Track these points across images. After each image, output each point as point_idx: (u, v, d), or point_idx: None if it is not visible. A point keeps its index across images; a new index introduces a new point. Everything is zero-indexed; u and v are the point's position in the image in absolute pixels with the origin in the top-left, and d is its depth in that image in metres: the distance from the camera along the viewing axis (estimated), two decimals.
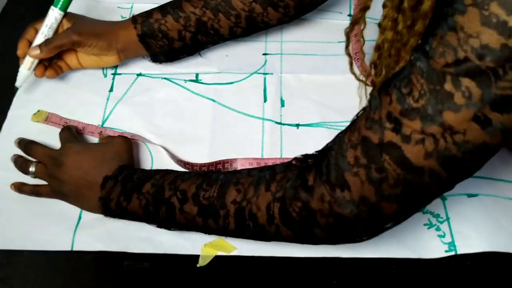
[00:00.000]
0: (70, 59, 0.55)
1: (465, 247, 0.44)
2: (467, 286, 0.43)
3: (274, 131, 0.53)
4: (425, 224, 0.46)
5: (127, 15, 0.64)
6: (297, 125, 0.53)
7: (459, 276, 0.43)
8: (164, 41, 0.53)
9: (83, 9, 0.64)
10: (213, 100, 0.55)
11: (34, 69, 0.52)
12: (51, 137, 0.51)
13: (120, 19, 0.63)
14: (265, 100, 0.55)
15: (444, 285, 0.43)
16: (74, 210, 0.47)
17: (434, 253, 0.44)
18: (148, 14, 0.53)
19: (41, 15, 0.64)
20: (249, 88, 0.57)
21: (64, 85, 0.56)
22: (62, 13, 0.51)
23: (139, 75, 0.58)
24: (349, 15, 0.64)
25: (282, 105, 0.55)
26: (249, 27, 0.54)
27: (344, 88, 0.56)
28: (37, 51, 0.51)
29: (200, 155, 0.51)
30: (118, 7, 0.65)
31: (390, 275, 0.43)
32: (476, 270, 0.43)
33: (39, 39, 0.51)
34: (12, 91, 0.55)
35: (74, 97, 0.55)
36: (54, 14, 0.51)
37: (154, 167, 0.50)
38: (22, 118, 0.54)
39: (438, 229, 0.45)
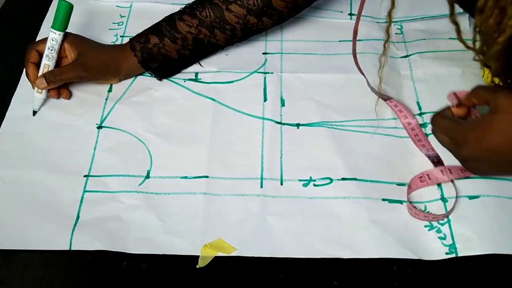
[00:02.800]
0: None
1: (466, 250, 0.44)
2: (468, 287, 0.43)
3: (274, 130, 0.53)
4: (425, 226, 0.45)
5: (126, 14, 0.64)
6: (297, 125, 0.53)
7: (460, 277, 0.43)
8: (165, 61, 0.55)
9: (83, 9, 0.64)
10: (213, 99, 0.55)
11: (48, 91, 0.53)
12: (50, 139, 0.51)
13: (118, 18, 0.63)
14: (265, 100, 0.55)
15: (445, 286, 0.43)
16: (72, 209, 0.46)
17: (434, 255, 0.44)
18: (145, 39, 0.54)
19: (39, 15, 0.64)
20: (249, 87, 0.56)
21: (63, 85, 0.56)
22: (62, 33, 0.51)
23: (138, 74, 0.57)
24: (350, 14, 0.64)
25: (282, 104, 0.55)
26: (245, 36, 0.56)
27: (344, 87, 0.56)
28: (45, 84, 0.51)
29: (200, 155, 0.50)
30: (117, 5, 0.65)
31: (391, 276, 0.43)
32: (477, 271, 0.43)
33: (45, 62, 0.51)
34: (12, 91, 0.55)
35: (73, 97, 0.55)
36: (54, 36, 0.51)
37: (153, 167, 0.50)
38: (21, 118, 0.53)
39: (438, 231, 0.45)
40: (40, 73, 0.52)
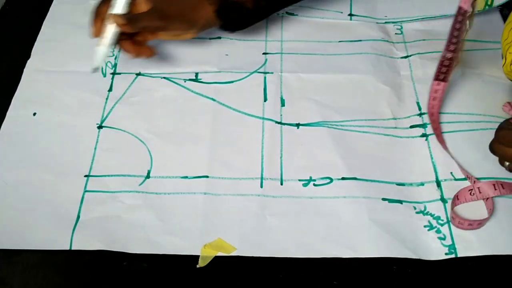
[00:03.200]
0: (145, 35, 0.53)
1: (465, 250, 0.44)
2: (468, 287, 0.43)
3: (274, 130, 0.53)
4: (425, 226, 0.45)
5: None
6: (297, 125, 0.53)
7: (460, 277, 0.43)
8: (240, 11, 0.52)
9: (83, 9, 0.64)
10: (213, 99, 0.55)
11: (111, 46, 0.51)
12: (50, 139, 0.51)
13: None
14: (265, 100, 0.55)
15: (445, 286, 0.43)
16: (72, 209, 0.46)
17: (434, 255, 0.44)
18: None
19: (39, 15, 0.64)
20: (249, 87, 0.57)
21: (63, 85, 0.56)
22: None
23: (138, 74, 0.57)
24: (350, 14, 0.64)
25: (282, 104, 0.55)
26: None
27: (344, 87, 0.56)
28: (122, 21, 0.49)
29: (200, 155, 0.50)
30: None
31: (391, 276, 0.43)
32: (477, 271, 0.43)
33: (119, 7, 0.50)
34: (12, 91, 0.55)
35: (73, 96, 0.55)
36: None
37: (154, 167, 0.50)
38: (21, 118, 0.53)
39: (438, 231, 0.45)
40: (108, 26, 0.50)
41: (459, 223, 0.44)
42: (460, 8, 0.46)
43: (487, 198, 0.45)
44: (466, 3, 0.45)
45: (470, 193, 0.46)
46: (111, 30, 0.50)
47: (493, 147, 0.45)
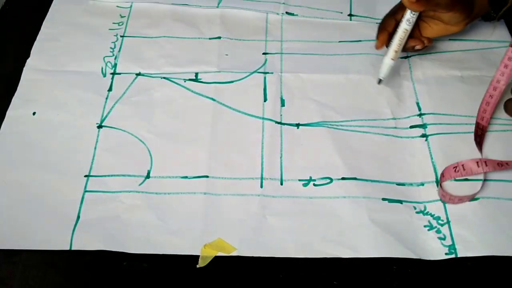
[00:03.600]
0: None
1: (465, 251, 0.44)
2: (468, 287, 0.43)
3: (274, 130, 0.53)
4: (425, 226, 0.45)
5: (126, 14, 0.64)
6: (297, 125, 0.53)
7: (460, 277, 0.43)
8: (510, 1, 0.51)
9: (83, 9, 0.64)
10: (213, 99, 0.55)
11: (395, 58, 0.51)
12: (50, 139, 0.51)
13: (119, 18, 0.63)
14: (265, 100, 0.55)
15: (445, 286, 0.43)
16: (72, 209, 0.46)
17: (434, 255, 0.44)
18: None
19: (39, 15, 0.64)
20: (249, 87, 0.57)
21: (63, 84, 0.56)
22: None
23: (138, 74, 0.57)
24: (349, 15, 0.64)
25: (282, 104, 0.55)
26: None
27: (344, 87, 0.56)
28: (412, 1, 0.47)
29: (200, 155, 0.50)
30: (117, 6, 0.65)
31: (391, 276, 0.43)
32: (477, 271, 0.43)
33: (404, 27, 0.50)
34: (12, 90, 0.55)
35: (73, 96, 0.55)
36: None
37: (154, 168, 0.50)
38: (21, 118, 0.53)
39: (438, 231, 0.45)
40: (396, 39, 0.50)
41: (450, 199, 0.46)
42: None
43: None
44: None
45: (455, 170, 0.47)
46: (396, 42, 0.51)
47: (508, 106, 0.46)
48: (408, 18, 0.50)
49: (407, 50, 0.54)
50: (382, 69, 0.53)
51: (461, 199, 0.46)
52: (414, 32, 0.53)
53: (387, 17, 0.52)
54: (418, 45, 0.53)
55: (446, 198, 0.46)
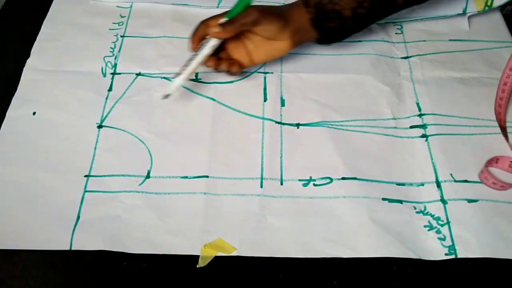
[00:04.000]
0: (241, 56, 0.53)
1: (465, 252, 0.44)
2: (468, 287, 0.43)
3: (274, 130, 0.53)
4: (425, 226, 0.45)
5: (126, 14, 0.64)
6: (297, 125, 0.53)
7: (460, 277, 0.43)
8: (337, 21, 0.51)
9: (83, 9, 0.64)
10: (213, 99, 0.55)
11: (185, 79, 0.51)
12: (50, 139, 0.51)
13: (119, 18, 0.63)
14: (265, 100, 0.55)
15: (445, 287, 0.43)
16: (72, 209, 0.46)
17: (434, 255, 0.44)
18: None
19: (39, 15, 0.64)
20: (249, 87, 0.57)
21: (63, 84, 0.56)
22: None
23: (138, 74, 0.57)
24: None
25: (283, 104, 0.55)
26: None
27: (344, 87, 0.56)
28: (218, 29, 0.49)
29: (200, 155, 0.50)
30: (117, 6, 0.65)
31: (391, 276, 0.43)
32: (477, 271, 0.43)
33: (213, 43, 0.50)
34: (12, 90, 0.55)
35: (73, 96, 0.55)
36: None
37: (154, 168, 0.50)
38: (21, 118, 0.53)
39: (438, 231, 0.45)
40: (195, 62, 0.50)
41: (493, 183, 0.46)
42: None
43: None
44: None
45: (510, 166, 0.47)
46: (194, 65, 0.50)
47: None
48: (214, 44, 0.50)
49: (219, 71, 0.53)
50: (171, 86, 0.51)
51: (503, 186, 0.46)
52: (234, 54, 0.53)
53: (202, 24, 0.51)
54: (236, 69, 0.53)
55: (489, 182, 0.46)
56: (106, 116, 0.54)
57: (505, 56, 0.57)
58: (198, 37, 0.51)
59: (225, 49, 0.53)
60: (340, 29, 0.52)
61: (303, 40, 0.53)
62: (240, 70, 0.53)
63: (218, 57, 0.53)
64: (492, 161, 0.48)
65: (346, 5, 0.50)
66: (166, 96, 0.51)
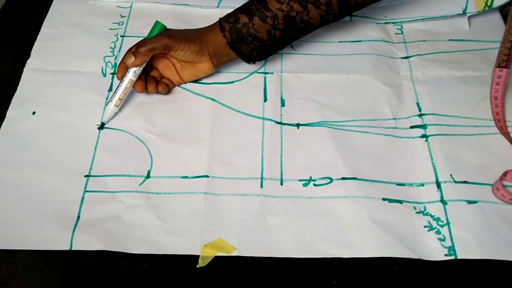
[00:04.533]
0: (171, 74, 0.55)
1: (465, 253, 0.44)
2: (468, 287, 0.43)
3: (274, 130, 0.53)
4: (425, 226, 0.45)
5: (126, 14, 0.64)
6: (298, 125, 0.53)
7: (460, 277, 0.43)
8: (255, 43, 0.52)
9: (83, 9, 0.64)
10: (213, 100, 0.55)
11: (119, 106, 0.53)
12: (50, 139, 0.51)
13: (119, 18, 0.63)
14: (265, 100, 0.55)
15: (445, 287, 0.43)
16: (72, 209, 0.46)
17: (434, 255, 0.44)
18: (234, 18, 0.52)
19: (39, 15, 0.64)
20: (250, 87, 0.57)
21: (63, 84, 0.56)
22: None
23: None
24: (350, 15, 0.64)
25: (283, 104, 0.55)
26: (341, 12, 0.52)
27: (344, 87, 0.56)
28: (132, 59, 0.51)
29: (200, 155, 0.50)
30: (117, 6, 0.65)
31: (391, 276, 0.43)
32: (477, 271, 0.43)
33: (130, 78, 0.52)
34: (12, 90, 0.55)
35: (73, 96, 0.55)
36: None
37: (154, 167, 0.50)
38: (21, 118, 0.53)
39: (438, 232, 0.45)
40: (122, 88, 0.52)
41: (502, 195, 0.46)
42: None
43: None
44: None
45: None
46: (121, 91, 0.52)
47: None
48: (135, 71, 0.52)
49: (151, 92, 0.54)
50: (106, 113, 0.53)
51: None
52: (164, 73, 0.55)
53: (128, 51, 0.52)
54: (162, 89, 0.54)
55: (498, 193, 0.46)
56: None
57: None
58: (124, 64, 0.52)
59: (156, 68, 0.55)
60: (261, 49, 0.53)
61: (224, 61, 0.55)
62: (168, 90, 0.55)
63: (151, 76, 0.55)
64: (502, 176, 0.48)
65: (260, 29, 0.51)
66: (101, 126, 0.53)
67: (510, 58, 0.51)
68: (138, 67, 0.52)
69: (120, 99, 0.52)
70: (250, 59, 0.54)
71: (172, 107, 0.55)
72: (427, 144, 0.51)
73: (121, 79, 0.52)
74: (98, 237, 0.45)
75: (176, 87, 0.56)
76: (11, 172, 0.49)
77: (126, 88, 0.52)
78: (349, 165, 0.49)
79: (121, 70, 0.52)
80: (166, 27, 0.52)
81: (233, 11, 0.52)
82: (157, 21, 0.52)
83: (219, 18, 0.53)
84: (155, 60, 0.55)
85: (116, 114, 0.53)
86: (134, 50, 0.51)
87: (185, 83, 0.57)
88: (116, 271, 0.43)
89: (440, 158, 0.50)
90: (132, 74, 0.52)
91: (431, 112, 0.54)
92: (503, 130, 0.51)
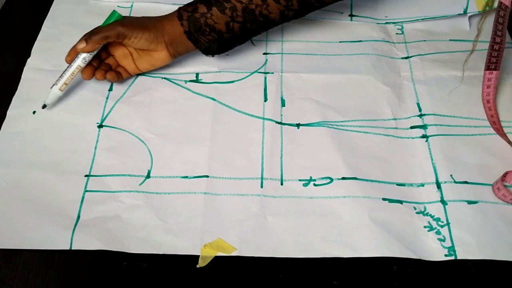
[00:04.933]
0: (127, 63, 0.55)
1: (465, 253, 0.44)
2: (468, 287, 0.43)
3: (274, 130, 0.53)
4: (425, 227, 0.45)
5: (127, 14, 0.64)
6: (298, 125, 0.53)
7: (460, 278, 0.43)
8: (213, 35, 0.52)
9: (83, 9, 0.64)
10: (213, 99, 0.55)
11: (63, 90, 0.53)
12: (51, 138, 0.51)
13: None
14: (265, 100, 0.55)
15: (445, 287, 0.43)
16: (72, 209, 0.46)
17: (434, 255, 0.44)
18: (193, 8, 0.51)
19: (40, 15, 0.64)
20: (250, 87, 0.57)
21: None
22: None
23: (138, 74, 0.57)
24: (350, 15, 0.64)
25: (283, 104, 0.55)
26: (302, 9, 0.51)
27: (344, 87, 0.56)
28: (83, 44, 0.50)
29: (200, 155, 0.50)
30: (118, 6, 0.65)
31: (391, 275, 0.43)
32: (477, 271, 0.43)
33: (79, 63, 0.52)
34: (12, 90, 0.55)
35: (74, 95, 0.55)
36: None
37: (154, 167, 0.50)
38: (21, 117, 0.53)
39: (438, 232, 0.45)
40: (69, 73, 0.52)
41: (503, 195, 0.46)
42: (501, 3, 0.48)
43: None
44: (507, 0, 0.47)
45: None
46: (68, 75, 0.52)
47: None
48: (84, 57, 0.52)
49: (98, 79, 0.54)
50: (49, 96, 0.53)
51: None
52: (120, 61, 0.55)
53: (82, 37, 0.52)
54: (111, 77, 0.54)
55: (499, 193, 0.46)
56: (107, 116, 0.54)
57: (505, 56, 0.57)
58: (75, 49, 0.52)
59: (113, 56, 0.55)
60: (219, 41, 0.53)
61: (181, 50, 0.54)
62: (120, 79, 0.55)
63: (106, 64, 0.54)
64: (502, 176, 0.48)
65: (218, 20, 0.51)
66: (44, 106, 0.53)
67: (499, 60, 0.51)
68: (88, 54, 0.51)
69: (65, 83, 0.52)
70: (208, 52, 0.54)
71: (172, 107, 0.55)
72: (427, 144, 0.51)
73: (69, 63, 0.52)
74: (98, 237, 0.45)
75: (176, 86, 0.56)
76: (12, 172, 0.49)
77: (73, 73, 0.52)
78: (349, 165, 0.49)
79: (71, 54, 0.52)
80: (122, 16, 0.52)
81: (193, 0, 0.52)
82: (114, 11, 0.52)
83: (179, 7, 0.52)
84: (112, 47, 0.54)
85: (60, 98, 0.53)
86: (86, 37, 0.51)
87: (141, 73, 0.57)
88: (116, 271, 0.43)
89: (440, 158, 0.50)
90: (81, 60, 0.52)
91: (431, 112, 0.54)
92: (500, 132, 0.51)
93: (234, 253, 0.44)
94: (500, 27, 0.49)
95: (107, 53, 0.55)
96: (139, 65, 0.55)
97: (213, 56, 0.55)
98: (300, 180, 0.49)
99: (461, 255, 0.43)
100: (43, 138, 0.52)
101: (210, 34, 0.51)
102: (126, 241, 0.44)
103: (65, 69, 0.52)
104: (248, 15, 0.50)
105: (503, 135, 0.51)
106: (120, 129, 0.53)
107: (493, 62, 0.51)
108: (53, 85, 0.52)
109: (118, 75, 0.54)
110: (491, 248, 0.44)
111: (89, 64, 0.53)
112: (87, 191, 0.48)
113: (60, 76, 0.52)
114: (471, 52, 0.52)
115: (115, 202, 0.47)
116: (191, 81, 0.57)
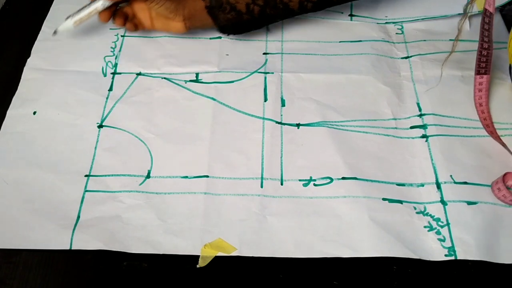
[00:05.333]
0: (144, 16, 0.56)
1: (464, 254, 0.44)
2: (468, 287, 0.43)
3: (274, 130, 0.53)
4: (425, 227, 0.45)
5: None
6: (298, 125, 0.53)
7: (460, 278, 0.43)
8: (232, 13, 0.52)
9: None
10: (213, 99, 0.55)
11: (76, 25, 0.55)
12: (50, 138, 0.51)
13: None
14: (265, 100, 0.55)
15: (445, 286, 0.43)
16: (72, 209, 0.46)
17: (434, 256, 0.44)
18: None
19: (40, 15, 0.64)
20: (250, 87, 0.57)
21: (64, 84, 0.56)
22: None
23: (138, 74, 0.57)
24: (350, 15, 0.64)
25: (283, 104, 0.55)
26: (321, 1, 0.53)
27: (344, 87, 0.56)
28: None
29: (200, 154, 0.50)
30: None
31: (391, 275, 0.43)
32: (477, 272, 0.43)
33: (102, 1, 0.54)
34: (12, 90, 0.55)
35: (74, 95, 0.55)
36: None
37: (154, 167, 0.50)
38: (22, 117, 0.53)
39: (438, 232, 0.45)
40: (87, 11, 0.54)
41: (498, 189, 0.46)
42: (486, 10, 0.48)
43: None
44: (491, 6, 0.47)
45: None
46: (86, 13, 0.54)
47: None
48: (104, 3, 0.53)
49: (117, 25, 0.56)
50: (62, 26, 0.55)
51: None
52: (138, 13, 0.56)
53: None
54: (129, 27, 0.56)
55: (500, 194, 0.46)
56: (107, 116, 0.54)
57: (504, 56, 0.57)
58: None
59: (132, 6, 0.56)
60: (238, 22, 0.54)
61: (198, 25, 0.55)
62: (136, 30, 0.56)
63: (123, 12, 0.56)
64: (504, 176, 0.48)
65: (240, 0, 0.52)
66: (54, 33, 0.54)
67: (488, 64, 0.51)
68: (107, 1, 0.53)
69: (81, 19, 0.54)
70: (224, 30, 0.55)
71: (172, 107, 0.55)
72: (427, 144, 0.51)
73: (91, 1, 0.53)
74: (98, 237, 0.45)
75: (176, 86, 0.56)
76: (12, 172, 0.49)
77: (90, 13, 0.53)
78: (349, 165, 0.49)
79: None
80: None
81: None
82: None
83: None
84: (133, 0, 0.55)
85: (70, 32, 0.55)
86: None
87: (154, 31, 0.58)
88: (116, 271, 0.44)
89: (440, 158, 0.50)
90: (101, 3, 0.53)
91: (431, 112, 0.54)
92: (494, 135, 0.51)
93: (234, 253, 0.44)
94: (486, 33, 0.49)
95: (127, 3, 0.56)
96: (155, 24, 0.56)
97: (227, 35, 0.56)
98: (300, 180, 0.49)
99: (461, 256, 0.43)
100: (43, 138, 0.52)
101: (230, 12, 0.52)
102: (126, 241, 0.44)
103: (83, 7, 0.53)
104: (269, 0, 0.51)
105: (497, 138, 0.51)
106: (120, 129, 0.53)
107: (483, 67, 0.51)
108: (69, 16, 0.53)
109: (136, 26, 0.55)
110: (491, 249, 0.43)
111: (107, 8, 0.54)
112: (87, 191, 0.48)
113: (77, 11, 0.53)
114: (450, 53, 0.53)
115: (115, 202, 0.47)
116: (191, 81, 0.57)
